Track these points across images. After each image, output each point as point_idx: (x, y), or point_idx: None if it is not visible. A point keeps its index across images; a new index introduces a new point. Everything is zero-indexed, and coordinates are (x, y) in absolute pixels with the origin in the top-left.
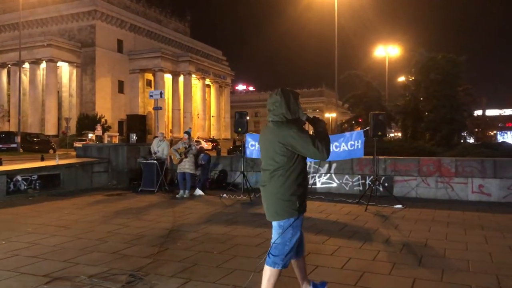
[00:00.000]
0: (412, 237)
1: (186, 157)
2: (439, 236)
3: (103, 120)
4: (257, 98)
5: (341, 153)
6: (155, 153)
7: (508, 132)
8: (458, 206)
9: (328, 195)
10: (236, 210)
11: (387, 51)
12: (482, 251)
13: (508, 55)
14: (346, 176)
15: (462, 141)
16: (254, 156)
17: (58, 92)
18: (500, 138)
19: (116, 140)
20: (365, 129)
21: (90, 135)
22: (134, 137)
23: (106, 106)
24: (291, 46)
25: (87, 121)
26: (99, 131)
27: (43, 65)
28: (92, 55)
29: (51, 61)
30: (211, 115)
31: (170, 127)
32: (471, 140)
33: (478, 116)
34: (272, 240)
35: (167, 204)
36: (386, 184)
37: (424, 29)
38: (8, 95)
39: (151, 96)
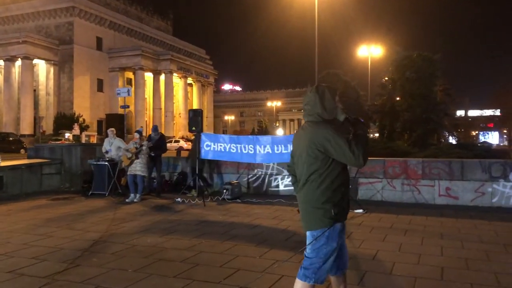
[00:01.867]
0: (363, 248)
1: (137, 158)
2: (392, 247)
3: (81, 119)
4: (243, 97)
5: None
6: (106, 152)
7: (490, 133)
8: (422, 211)
9: (290, 199)
10: (182, 217)
11: (370, 51)
12: (434, 265)
13: (493, 56)
14: None
15: (442, 141)
16: (209, 157)
17: (34, 90)
18: (482, 139)
19: (94, 140)
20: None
21: (67, 135)
22: None
23: (85, 105)
24: (278, 46)
25: (65, 120)
26: (76, 130)
27: (19, 62)
28: (70, 52)
29: (27, 58)
30: None
31: (151, 127)
32: (452, 141)
33: (459, 116)
34: (306, 252)
35: (111, 209)
36: (350, 186)
37: (408, 30)
38: None
39: (118, 94)
